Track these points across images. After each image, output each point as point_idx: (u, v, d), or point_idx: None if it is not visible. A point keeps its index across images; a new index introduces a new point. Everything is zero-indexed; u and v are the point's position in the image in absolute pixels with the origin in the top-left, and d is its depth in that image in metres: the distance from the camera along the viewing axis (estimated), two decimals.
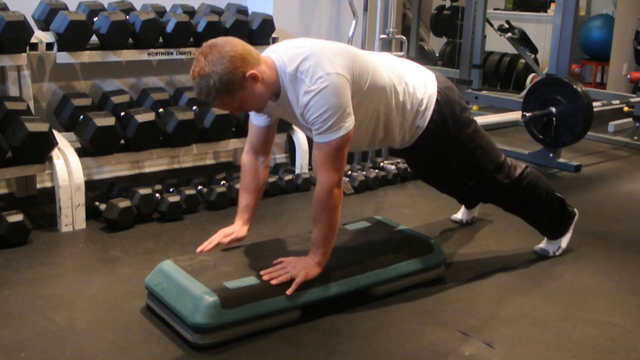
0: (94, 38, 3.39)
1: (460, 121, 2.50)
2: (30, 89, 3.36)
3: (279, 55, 2.17)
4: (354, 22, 3.87)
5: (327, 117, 2.09)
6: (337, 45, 2.25)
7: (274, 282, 2.18)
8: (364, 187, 3.80)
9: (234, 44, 2.07)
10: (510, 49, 6.71)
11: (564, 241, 2.92)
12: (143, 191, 3.15)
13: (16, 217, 2.81)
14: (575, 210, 2.96)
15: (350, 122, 2.14)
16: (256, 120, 2.42)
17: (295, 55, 2.15)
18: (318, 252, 2.26)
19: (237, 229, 2.46)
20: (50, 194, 3.19)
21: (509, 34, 6.00)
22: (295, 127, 3.56)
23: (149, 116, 3.30)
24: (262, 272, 2.23)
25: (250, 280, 2.20)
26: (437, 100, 2.43)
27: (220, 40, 2.09)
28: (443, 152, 2.55)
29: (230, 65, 2.02)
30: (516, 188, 2.70)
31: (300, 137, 3.88)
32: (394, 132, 2.42)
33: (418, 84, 2.41)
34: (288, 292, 2.17)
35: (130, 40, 3.48)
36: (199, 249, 2.41)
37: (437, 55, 7.48)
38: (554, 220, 2.88)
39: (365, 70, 2.23)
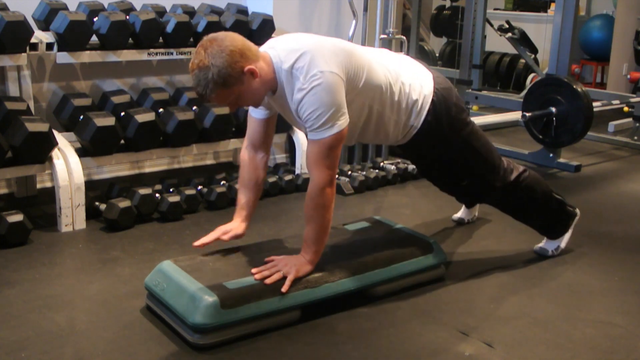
0: (94, 38, 3.39)
1: (456, 123, 2.51)
2: (30, 89, 3.36)
3: (276, 51, 2.20)
4: (354, 22, 3.87)
5: (320, 114, 2.11)
6: (334, 42, 2.27)
7: (267, 281, 2.19)
8: (364, 187, 3.80)
9: (234, 39, 2.10)
10: (510, 49, 6.71)
11: (563, 241, 2.93)
12: (143, 191, 3.15)
13: (16, 217, 2.81)
14: (577, 210, 2.96)
15: (344, 121, 2.16)
16: (255, 113, 2.43)
17: (291, 52, 2.17)
18: (310, 251, 2.27)
19: (236, 226, 2.45)
20: (50, 194, 3.19)
21: (509, 34, 5.99)
22: (295, 128, 3.57)
23: (149, 116, 3.30)
24: (253, 271, 2.23)
25: (250, 280, 2.20)
26: (432, 100, 2.44)
27: (221, 34, 2.12)
28: (435, 151, 2.57)
29: (230, 59, 2.05)
30: (509, 191, 2.71)
31: (300, 137, 3.88)
32: (387, 129, 2.44)
33: (415, 83, 2.42)
34: (283, 289, 2.18)
35: (130, 40, 3.48)
36: (197, 243, 2.40)
37: (437, 55, 7.47)
38: (551, 221, 2.88)
39: (361, 68, 2.25)
